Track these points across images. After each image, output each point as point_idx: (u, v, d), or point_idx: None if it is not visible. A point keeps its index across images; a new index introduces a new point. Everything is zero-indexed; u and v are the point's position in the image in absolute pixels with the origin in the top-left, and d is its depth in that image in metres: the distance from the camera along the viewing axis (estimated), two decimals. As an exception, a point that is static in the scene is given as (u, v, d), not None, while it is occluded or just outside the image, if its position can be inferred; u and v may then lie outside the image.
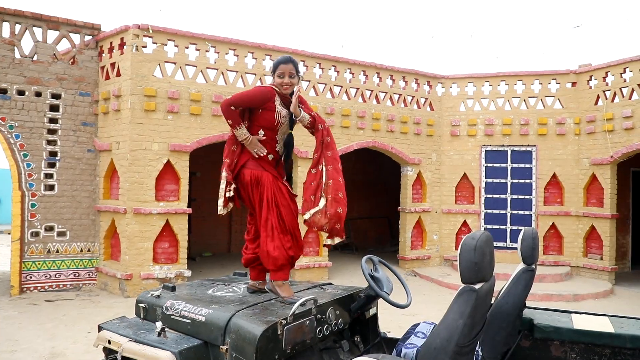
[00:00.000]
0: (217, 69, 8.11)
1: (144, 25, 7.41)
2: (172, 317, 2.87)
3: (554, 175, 9.88)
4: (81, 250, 7.91)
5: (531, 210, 10.03)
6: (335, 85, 9.31)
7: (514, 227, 10.15)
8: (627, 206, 10.64)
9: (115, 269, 7.50)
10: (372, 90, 9.76)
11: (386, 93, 9.96)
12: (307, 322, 2.72)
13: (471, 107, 10.49)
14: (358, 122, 9.49)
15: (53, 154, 7.74)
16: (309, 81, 9.02)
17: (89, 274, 7.95)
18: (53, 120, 7.74)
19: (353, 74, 9.52)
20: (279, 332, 2.48)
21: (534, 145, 10.01)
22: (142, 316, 3.09)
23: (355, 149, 9.54)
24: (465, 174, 10.41)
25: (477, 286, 2.01)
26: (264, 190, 3.00)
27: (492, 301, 2.99)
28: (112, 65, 7.76)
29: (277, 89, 3.06)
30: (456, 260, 10.20)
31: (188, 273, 7.75)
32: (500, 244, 10.19)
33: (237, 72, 8.29)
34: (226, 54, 8.17)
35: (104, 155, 7.89)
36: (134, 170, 7.37)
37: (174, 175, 7.74)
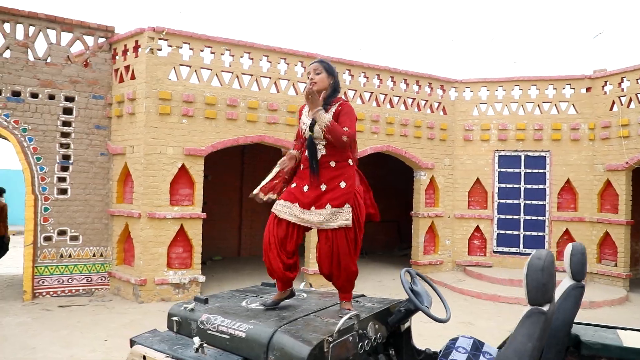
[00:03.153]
0: (232, 72, 8.04)
1: (159, 28, 7.34)
2: (208, 331, 2.79)
3: (568, 181, 9.80)
4: (94, 255, 7.83)
5: (544, 216, 9.96)
6: (349, 89, 9.23)
7: (527, 233, 10.07)
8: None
9: (129, 274, 7.42)
10: (386, 95, 9.69)
11: (400, 97, 9.89)
12: (350, 338, 2.66)
13: (484, 111, 10.41)
14: (372, 127, 9.42)
15: (66, 157, 7.67)
16: (323, 85, 8.94)
17: (101, 279, 7.87)
18: (66, 124, 7.67)
19: (367, 77, 9.45)
20: (325, 350, 2.42)
21: (548, 151, 9.94)
22: (175, 330, 3.02)
23: (369, 154, 9.46)
24: (478, 179, 10.34)
25: (545, 308, 1.94)
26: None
27: None
28: (127, 68, 7.69)
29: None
30: (469, 266, 10.12)
31: (202, 278, 7.68)
32: (514, 250, 10.11)
33: (252, 75, 8.22)
34: (241, 57, 8.11)
35: (118, 159, 7.82)
36: (148, 174, 7.29)
37: (188, 180, 7.67)
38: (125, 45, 7.71)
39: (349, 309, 2.93)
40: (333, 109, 2.96)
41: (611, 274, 9.27)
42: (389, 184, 13.87)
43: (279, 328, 2.60)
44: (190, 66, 7.68)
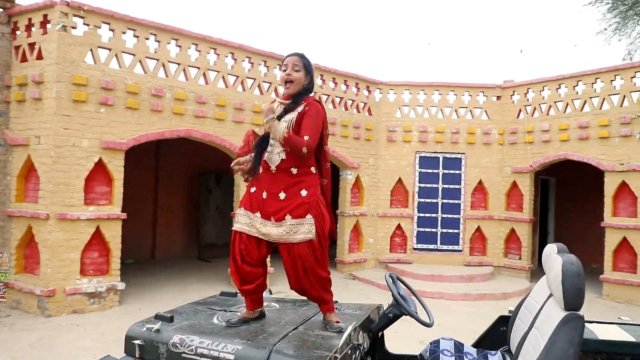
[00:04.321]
0: (158, 60, 7.35)
1: (75, 3, 6.44)
2: (183, 355, 2.44)
3: (480, 182, 10.56)
4: (-15, 263, 6.67)
5: (459, 214, 10.63)
6: (280, 85, 8.96)
7: (444, 230, 10.67)
8: (537, 210, 11.75)
9: (33, 284, 6.43)
10: (315, 93, 9.58)
11: (329, 96, 9.86)
12: (349, 350, 2.52)
13: (407, 113, 10.81)
14: (302, 124, 9.25)
15: (-51, 147, 6.42)
16: (254, 79, 8.59)
17: (-5, 291, 6.73)
18: (-50, 107, 6.42)
19: (298, 74, 9.25)
20: None
21: (463, 153, 10.62)
22: (137, 355, 2.59)
23: (298, 152, 9.29)
24: (400, 178, 10.70)
25: (581, 312, 1.96)
26: None
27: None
28: (31, 45, 6.64)
29: (277, 98, 2.88)
30: (391, 263, 10.41)
31: (121, 286, 6.92)
32: (432, 247, 10.65)
33: (179, 64, 7.60)
34: (168, 43, 7.45)
35: (19, 150, 6.73)
36: (58, 169, 6.37)
37: (106, 176, 6.85)
38: (30, 19, 6.65)
39: (338, 322, 2.76)
40: (300, 109, 2.72)
41: (516, 267, 10.19)
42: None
43: (274, 347, 2.34)
44: (110, 49, 6.86)
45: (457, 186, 10.66)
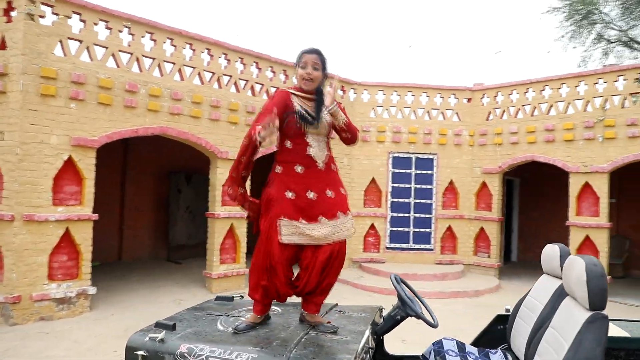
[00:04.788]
0: (132, 54, 7.04)
1: (43, -9, 6.07)
2: (195, 365, 2.33)
3: (451, 182, 10.80)
4: (-60, 268, 6.16)
5: (431, 214, 10.82)
6: (256, 83, 8.83)
7: (416, 230, 10.83)
8: (503, 209, 12.14)
9: (-5, 291, 6.01)
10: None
11: (304, 95, 9.78)
12: (364, 354, 2.50)
13: (380, 114, 10.90)
14: (278, 123, 9.14)
15: None
16: (231, 76, 8.40)
17: (-49, 298, 6.23)
18: None
19: (274, 72, 9.14)
20: None
21: (435, 154, 10.82)
22: None
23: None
24: (373, 178, 10.77)
25: (605, 312, 2.00)
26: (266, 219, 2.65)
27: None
28: (-6, 35, 6.20)
29: (291, 90, 2.70)
30: (364, 262, 10.46)
31: (93, 290, 6.59)
32: (404, 246, 10.78)
33: (154, 59, 7.32)
34: (142, 37, 7.16)
35: (-21, 147, 6.27)
36: (25, 167, 5.97)
37: (76, 175, 6.50)
38: (-8, 7, 6.21)
39: (329, 322, 2.74)
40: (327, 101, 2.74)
41: (485, 265, 10.48)
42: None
43: (291, 354, 2.28)
44: (81, 41, 6.51)
45: (429, 186, 10.84)
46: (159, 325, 2.57)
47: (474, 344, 3.45)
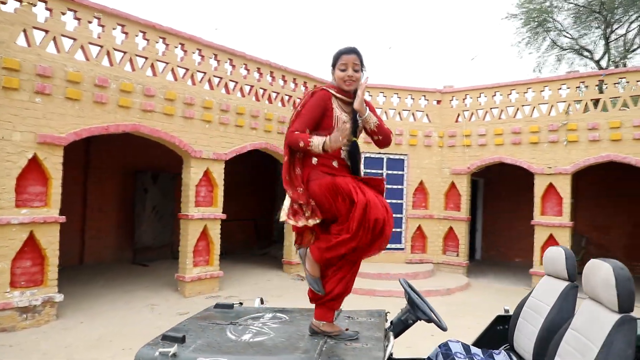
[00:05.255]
0: (102, 46, 6.67)
1: (6, -24, 5.62)
2: (214, 380, 2.20)
3: (421, 182, 10.98)
4: None
5: (402, 214, 10.96)
6: (230, 80, 8.60)
7: (387, 229, 10.92)
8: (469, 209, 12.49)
9: (-50, 300, 5.52)
10: (265, 90, 9.33)
11: (278, 94, 9.64)
12: None
13: (352, 114, 10.90)
14: (252, 122, 8.96)
15: None
16: (205, 73, 8.14)
17: None
18: None
19: (248, 70, 8.95)
20: None
21: (406, 154, 10.96)
22: None
23: (248, 150, 8.99)
24: (345, 178, 10.76)
25: (633, 314, 2.05)
26: (350, 192, 2.47)
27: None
28: (-52, 21, 5.68)
29: (332, 90, 2.61)
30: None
31: (60, 297, 6.19)
32: (376, 245, 10.85)
33: (125, 52, 6.96)
34: (113, 29, 6.79)
35: None
36: (-16, 166, 5.52)
37: (41, 174, 6.08)
38: (-53, -10, 5.68)
39: (347, 329, 2.69)
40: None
41: (454, 263, 10.74)
42: (248, 181, 13.51)
43: None
44: (47, 31, 6.08)
45: (399, 186, 10.97)
46: (166, 338, 2.41)
47: (475, 344, 3.49)
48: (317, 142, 2.44)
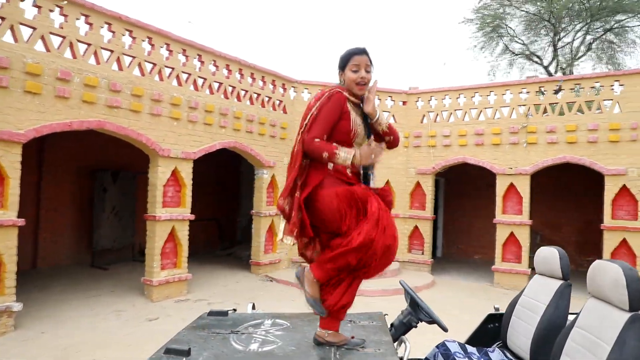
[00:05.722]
0: (64, 37, 6.26)
1: (-42, -43, 5.15)
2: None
3: (388, 182, 11.12)
4: None
5: (369, 213, 11.05)
6: (199, 77, 8.34)
7: (354, 229, 10.99)
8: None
9: None
10: (234, 87, 9.11)
11: (247, 92, 9.45)
12: None
13: (320, 114, 10.87)
14: (221, 120, 8.74)
15: None
16: (173, 68, 7.84)
17: None
18: None
19: (217, 67, 8.71)
20: None
21: (373, 154, 11.05)
22: None
23: (217, 149, 8.75)
24: (313, 178, 10.73)
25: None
26: (365, 202, 2.36)
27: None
28: None
29: (345, 93, 2.48)
30: (304, 262, 10.47)
31: (18, 306, 5.75)
32: (343, 245, 10.88)
33: (89, 44, 6.57)
34: (77, 19, 6.40)
35: None
36: None
37: (-3, 174, 5.63)
38: None
39: (353, 337, 2.63)
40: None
41: (419, 262, 10.96)
42: (211, 179, 13.17)
43: None
44: (3, 18, 5.63)
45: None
46: (170, 352, 2.28)
47: (468, 343, 3.55)
48: (344, 156, 2.29)
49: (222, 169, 13.33)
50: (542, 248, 3.41)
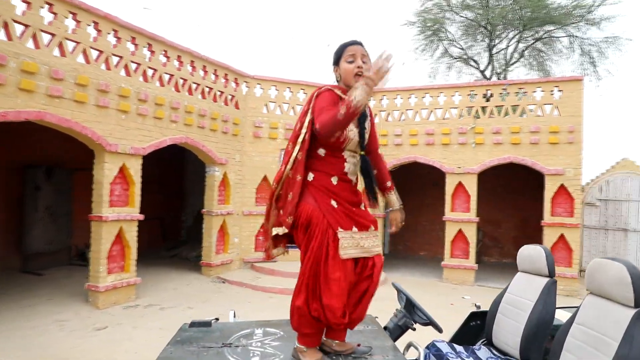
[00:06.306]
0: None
1: None
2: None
3: (340, 180, 11.12)
4: None
5: (322, 211, 11.00)
6: (149, 67, 7.82)
7: (307, 227, 10.90)
8: (380, 206, 13.00)
9: None
10: (185, 80, 8.66)
11: (199, 85, 9.02)
12: None
13: (273, 110, 10.66)
14: (172, 114, 8.26)
15: None
16: (121, 57, 7.27)
17: None
18: None
19: (168, 57, 8.22)
20: None
21: (326, 152, 11.00)
22: None
23: (168, 144, 8.27)
24: (265, 176, 10.51)
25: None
26: (312, 236, 2.28)
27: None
28: None
29: (337, 91, 2.28)
30: (256, 262, 10.22)
31: (-56, 320, 5.05)
32: (293, 244, 10.75)
33: (27, 26, 5.91)
34: (13, -3, 5.72)
35: None
36: None
37: None
38: None
39: (359, 345, 2.54)
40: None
41: (371, 259, 11.08)
42: (155, 176, 12.48)
43: None
44: None
45: (319, 184, 10.99)
46: None
47: (452, 341, 3.58)
48: (359, 92, 1.97)
49: (164, 165, 12.69)
50: (525, 246, 3.49)
